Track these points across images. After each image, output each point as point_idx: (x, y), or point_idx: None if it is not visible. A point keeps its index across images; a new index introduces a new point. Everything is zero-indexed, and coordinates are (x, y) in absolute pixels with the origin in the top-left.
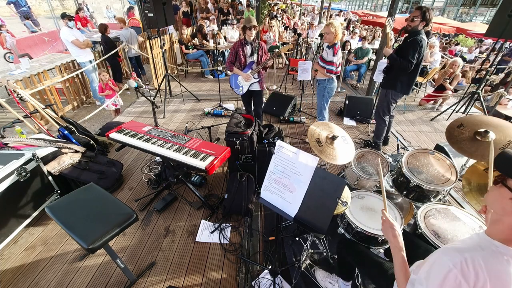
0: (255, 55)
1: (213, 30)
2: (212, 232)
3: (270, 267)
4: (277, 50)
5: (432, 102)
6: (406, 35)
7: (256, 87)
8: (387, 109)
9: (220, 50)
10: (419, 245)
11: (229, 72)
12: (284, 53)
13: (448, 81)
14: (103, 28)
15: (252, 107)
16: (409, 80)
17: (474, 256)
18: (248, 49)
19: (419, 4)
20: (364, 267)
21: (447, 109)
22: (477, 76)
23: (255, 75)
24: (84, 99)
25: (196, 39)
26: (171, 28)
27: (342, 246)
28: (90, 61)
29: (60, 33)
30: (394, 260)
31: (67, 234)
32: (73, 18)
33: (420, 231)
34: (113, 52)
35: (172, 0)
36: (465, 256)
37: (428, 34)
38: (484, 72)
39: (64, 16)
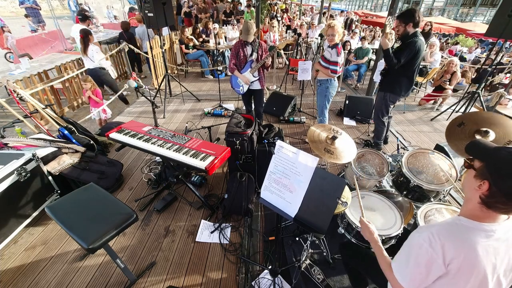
0: (255, 54)
1: (214, 28)
2: (212, 232)
3: (270, 267)
4: (274, 48)
5: (432, 102)
6: (401, 41)
7: (256, 86)
8: (386, 111)
9: (220, 50)
10: None
11: (229, 72)
12: (284, 53)
13: (447, 83)
14: (126, 25)
15: (253, 106)
16: (407, 83)
17: (439, 229)
18: (248, 49)
19: (420, 4)
20: (363, 266)
21: (447, 109)
22: (477, 76)
23: (255, 73)
24: (84, 99)
25: (195, 39)
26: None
27: (342, 248)
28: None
29: (72, 29)
30: (375, 251)
31: (67, 234)
32: (90, 18)
33: None
34: (115, 50)
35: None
36: (431, 230)
37: (428, 34)
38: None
39: (85, 18)
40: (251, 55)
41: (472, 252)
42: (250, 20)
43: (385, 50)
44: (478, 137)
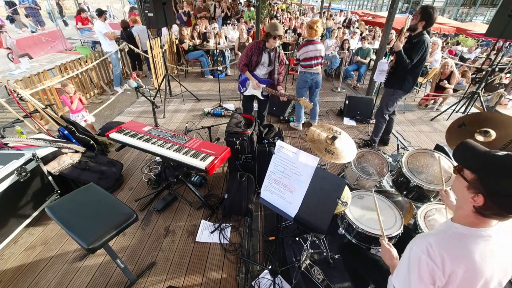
0: (269, 68)
1: (214, 28)
2: (212, 232)
3: (270, 267)
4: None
5: (432, 102)
6: (408, 34)
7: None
8: (391, 107)
9: (220, 50)
10: None
11: (229, 72)
12: (284, 53)
13: (436, 80)
14: (125, 24)
15: (256, 108)
16: (414, 79)
17: (436, 240)
18: (264, 57)
19: (420, 4)
20: (364, 266)
21: (447, 109)
22: (477, 76)
23: (264, 92)
24: (84, 99)
25: (195, 39)
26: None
27: (343, 248)
28: (116, 52)
29: (94, 25)
30: (390, 268)
31: (67, 234)
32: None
33: (420, 231)
34: (119, 47)
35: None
36: (429, 241)
37: (428, 34)
38: (484, 72)
39: (101, 13)
40: (266, 65)
41: (473, 261)
42: (250, 20)
43: (397, 52)
44: (478, 137)
